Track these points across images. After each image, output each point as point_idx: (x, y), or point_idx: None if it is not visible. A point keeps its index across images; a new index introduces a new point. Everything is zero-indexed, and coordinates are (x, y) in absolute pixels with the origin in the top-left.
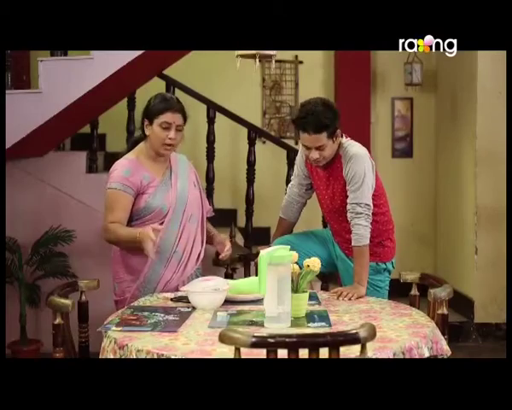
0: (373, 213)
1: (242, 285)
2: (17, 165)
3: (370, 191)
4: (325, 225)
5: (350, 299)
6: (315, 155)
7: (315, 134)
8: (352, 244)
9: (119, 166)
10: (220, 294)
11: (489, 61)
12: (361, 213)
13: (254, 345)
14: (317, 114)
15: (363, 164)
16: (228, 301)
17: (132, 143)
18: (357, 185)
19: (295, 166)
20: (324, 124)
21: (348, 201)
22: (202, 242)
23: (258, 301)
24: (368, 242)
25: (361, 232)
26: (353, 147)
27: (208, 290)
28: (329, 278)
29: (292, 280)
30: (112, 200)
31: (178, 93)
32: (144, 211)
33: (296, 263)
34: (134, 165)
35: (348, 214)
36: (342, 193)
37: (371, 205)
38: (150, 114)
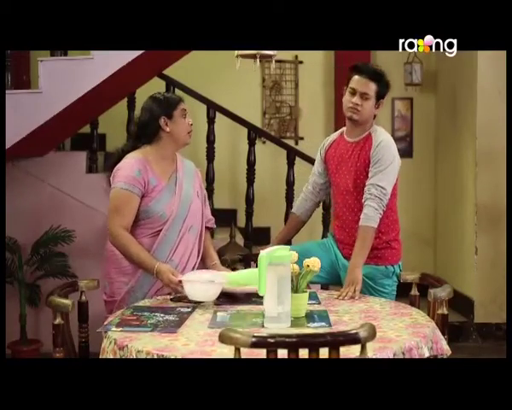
0: None
1: (241, 278)
2: (17, 165)
3: (392, 181)
4: (324, 236)
5: (351, 297)
6: (357, 100)
7: (368, 79)
8: (360, 224)
9: (128, 165)
10: (215, 286)
11: (489, 61)
12: (375, 196)
13: (254, 345)
14: (378, 68)
15: (393, 152)
16: (228, 301)
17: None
18: (381, 168)
19: (314, 167)
20: (380, 74)
21: (367, 182)
22: (199, 253)
23: (258, 301)
24: (375, 226)
25: (370, 213)
26: (386, 135)
27: (203, 281)
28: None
29: (292, 280)
30: (120, 201)
31: (178, 93)
32: (143, 214)
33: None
34: (143, 165)
35: (364, 195)
36: (364, 172)
37: (388, 192)
38: (168, 108)
